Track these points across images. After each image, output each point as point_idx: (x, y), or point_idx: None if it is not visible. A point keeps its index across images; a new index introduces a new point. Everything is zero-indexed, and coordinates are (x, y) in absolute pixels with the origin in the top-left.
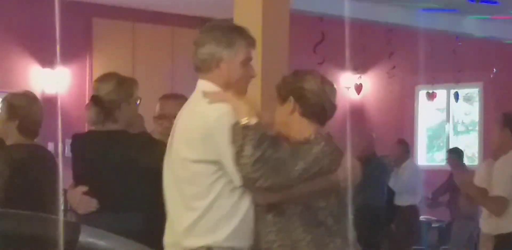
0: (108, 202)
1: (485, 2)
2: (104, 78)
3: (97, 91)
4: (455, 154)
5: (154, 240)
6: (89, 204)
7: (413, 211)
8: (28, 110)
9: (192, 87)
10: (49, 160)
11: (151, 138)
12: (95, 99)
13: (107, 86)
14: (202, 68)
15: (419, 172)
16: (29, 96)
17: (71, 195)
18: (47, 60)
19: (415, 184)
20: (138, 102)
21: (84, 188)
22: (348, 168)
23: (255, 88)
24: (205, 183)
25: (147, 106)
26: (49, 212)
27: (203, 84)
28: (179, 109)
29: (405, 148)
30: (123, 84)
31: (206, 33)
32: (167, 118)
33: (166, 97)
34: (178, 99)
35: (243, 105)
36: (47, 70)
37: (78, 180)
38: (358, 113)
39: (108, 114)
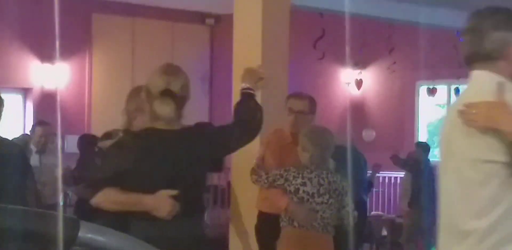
0: (190, 207)
1: None
2: (175, 71)
3: (170, 85)
4: (420, 148)
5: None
6: (174, 208)
7: None
8: None
9: (191, 82)
10: (18, 154)
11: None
12: (171, 94)
13: (180, 80)
14: (492, 55)
15: None
16: None
17: (155, 198)
18: (46, 55)
19: None
20: None
21: (173, 192)
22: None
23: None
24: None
25: None
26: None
27: (486, 76)
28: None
29: None
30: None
31: (489, 18)
32: None
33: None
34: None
35: None
36: (47, 65)
37: (157, 182)
38: (358, 109)
39: (180, 111)
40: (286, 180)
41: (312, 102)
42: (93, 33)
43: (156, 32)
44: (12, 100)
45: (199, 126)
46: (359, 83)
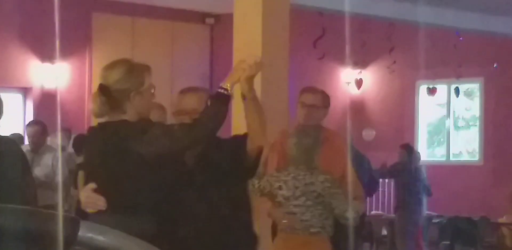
0: (117, 202)
1: None
2: (112, 65)
3: (105, 79)
4: (405, 150)
5: (164, 244)
6: (98, 202)
7: None
8: None
9: (191, 81)
10: (17, 152)
11: (150, 123)
12: (102, 89)
13: (115, 74)
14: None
15: None
16: None
17: (81, 193)
18: (46, 55)
19: None
20: (153, 91)
21: (93, 185)
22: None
23: (255, 83)
24: None
25: None
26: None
27: None
28: (199, 104)
29: None
30: (133, 72)
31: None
32: (187, 114)
33: (185, 91)
34: (197, 92)
35: None
36: (47, 65)
37: (87, 177)
38: (358, 108)
39: (115, 105)
40: (271, 185)
41: (325, 96)
42: (93, 33)
43: (156, 32)
44: (12, 99)
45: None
46: (359, 83)
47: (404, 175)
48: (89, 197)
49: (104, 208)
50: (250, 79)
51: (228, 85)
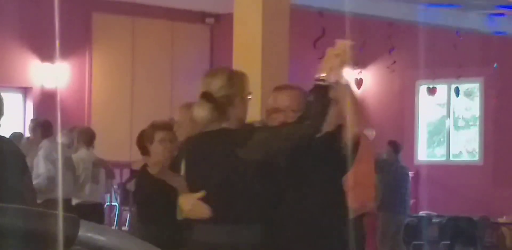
0: (225, 211)
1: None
2: (214, 72)
3: (208, 86)
4: (391, 147)
5: None
6: (203, 211)
7: None
8: None
9: (191, 81)
10: (15, 152)
11: (255, 129)
12: (207, 96)
13: (219, 80)
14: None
15: None
16: None
17: (184, 201)
18: (46, 54)
19: None
20: (250, 97)
21: (200, 194)
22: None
23: (255, 83)
24: None
25: (149, 101)
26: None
27: None
28: (293, 101)
29: None
30: (235, 78)
31: None
32: (281, 112)
33: (279, 89)
34: (292, 89)
35: None
36: (47, 64)
37: (191, 185)
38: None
39: (220, 112)
40: None
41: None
42: (93, 32)
43: (156, 31)
44: (12, 99)
45: (245, 127)
46: (359, 83)
47: (388, 173)
48: (195, 205)
49: (207, 217)
50: (343, 65)
51: (325, 74)
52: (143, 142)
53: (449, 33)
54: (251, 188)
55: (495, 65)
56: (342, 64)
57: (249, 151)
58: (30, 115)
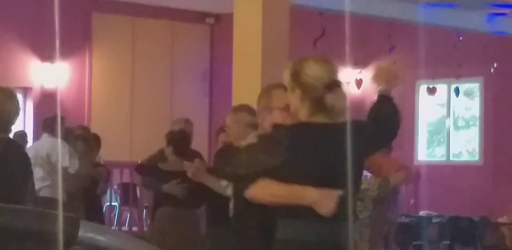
0: (344, 210)
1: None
2: (329, 61)
3: (333, 75)
4: None
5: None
6: (336, 207)
7: None
8: (0, 107)
9: (192, 81)
10: (22, 155)
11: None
12: (339, 84)
13: (336, 69)
14: None
15: None
16: (4, 93)
17: (320, 192)
18: (46, 54)
19: None
20: None
21: (339, 192)
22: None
23: (255, 82)
24: None
25: (149, 100)
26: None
27: None
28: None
29: None
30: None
31: None
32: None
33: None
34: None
35: None
36: (47, 64)
37: (309, 180)
38: (358, 108)
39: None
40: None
41: None
42: (93, 32)
43: (156, 31)
44: None
45: (354, 121)
46: (359, 83)
47: None
48: (334, 200)
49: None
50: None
51: (383, 87)
52: None
53: (449, 33)
54: (356, 185)
55: (495, 65)
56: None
57: (364, 144)
58: (30, 115)
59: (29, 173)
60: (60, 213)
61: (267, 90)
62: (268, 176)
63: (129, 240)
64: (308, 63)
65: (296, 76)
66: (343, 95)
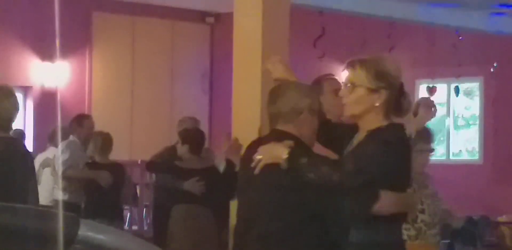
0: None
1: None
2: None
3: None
4: None
5: None
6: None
7: None
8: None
9: (192, 80)
10: (24, 153)
11: None
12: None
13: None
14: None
15: None
16: (2, 91)
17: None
18: (47, 54)
19: None
20: None
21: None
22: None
23: (255, 82)
24: None
25: (149, 100)
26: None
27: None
28: None
29: None
30: None
31: None
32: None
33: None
34: None
35: None
36: (47, 64)
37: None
38: None
39: None
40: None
41: None
42: (93, 32)
43: (156, 31)
44: None
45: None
46: None
47: None
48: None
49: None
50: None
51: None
52: None
53: (449, 33)
54: None
55: (494, 64)
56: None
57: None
58: (30, 114)
59: (31, 172)
60: (60, 211)
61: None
62: (382, 182)
63: (129, 239)
64: (391, 64)
65: (382, 76)
66: (411, 99)
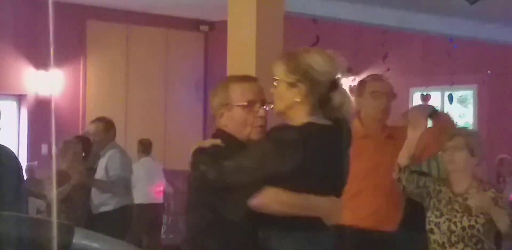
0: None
1: None
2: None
3: (336, 74)
4: None
5: None
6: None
7: None
8: None
9: (186, 88)
10: (11, 160)
11: None
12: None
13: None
14: None
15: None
16: None
17: (332, 202)
18: (41, 62)
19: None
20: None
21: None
22: None
23: None
24: None
25: (143, 108)
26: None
27: None
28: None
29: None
30: None
31: None
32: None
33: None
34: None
35: None
36: (41, 72)
37: (325, 187)
38: (352, 115)
39: None
40: None
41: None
42: (87, 40)
43: (150, 39)
44: (6, 107)
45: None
46: (352, 90)
47: None
48: (340, 210)
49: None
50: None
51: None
52: None
53: (443, 41)
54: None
55: (488, 72)
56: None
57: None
58: (24, 122)
59: (21, 178)
60: (54, 220)
61: (226, 85)
62: (276, 182)
63: (124, 247)
64: (314, 56)
65: (299, 69)
66: (347, 94)
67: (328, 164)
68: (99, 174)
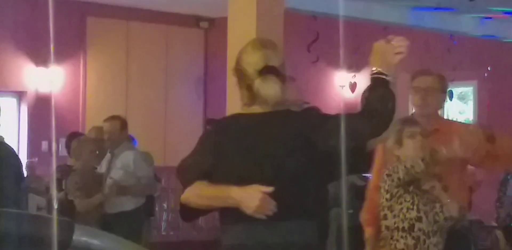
0: (297, 206)
1: None
2: (273, 45)
3: (270, 61)
4: None
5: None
6: (270, 207)
7: None
8: None
9: (186, 85)
10: (11, 157)
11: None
12: (276, 71)
13: (280, 56)
14: None
15: None
16: None
17: (247, 195)
18: (41, 59)
19: None
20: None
21: (268, 188)
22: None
23: None
24: None
25: (143, 104)
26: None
27: None
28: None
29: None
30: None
31: None
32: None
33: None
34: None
35: None
36: (41, 69)
37: (246, 177)
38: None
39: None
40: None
41: (442, 79)
42: (87, 37)
43: (151, 36)
44: (6, 103)
45: (307, 110)
46: (353, 87)
47: None
48: (263, 200)
49: (271, 213)
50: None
51: (378, 68)
52: None
53: (443, 37)
54: (323, 181)
55: (488, 68)
56: (396, 56)
57: (326, 136)
58: (24, 119)
59: (21, 175)
60: (55, 217)
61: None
62: (209, 176)
63: (123, 244)
64: (246, 48)
65: (236, 62)
66: (274, 82)
67: (249, 152)
68: (116, 174)
